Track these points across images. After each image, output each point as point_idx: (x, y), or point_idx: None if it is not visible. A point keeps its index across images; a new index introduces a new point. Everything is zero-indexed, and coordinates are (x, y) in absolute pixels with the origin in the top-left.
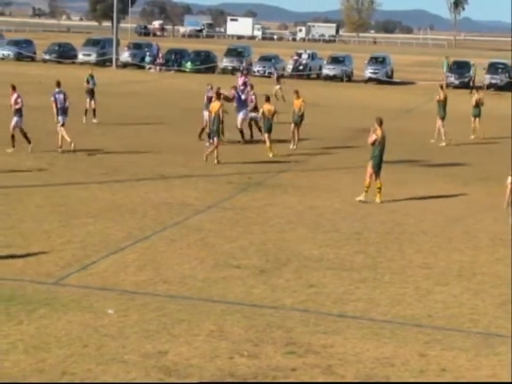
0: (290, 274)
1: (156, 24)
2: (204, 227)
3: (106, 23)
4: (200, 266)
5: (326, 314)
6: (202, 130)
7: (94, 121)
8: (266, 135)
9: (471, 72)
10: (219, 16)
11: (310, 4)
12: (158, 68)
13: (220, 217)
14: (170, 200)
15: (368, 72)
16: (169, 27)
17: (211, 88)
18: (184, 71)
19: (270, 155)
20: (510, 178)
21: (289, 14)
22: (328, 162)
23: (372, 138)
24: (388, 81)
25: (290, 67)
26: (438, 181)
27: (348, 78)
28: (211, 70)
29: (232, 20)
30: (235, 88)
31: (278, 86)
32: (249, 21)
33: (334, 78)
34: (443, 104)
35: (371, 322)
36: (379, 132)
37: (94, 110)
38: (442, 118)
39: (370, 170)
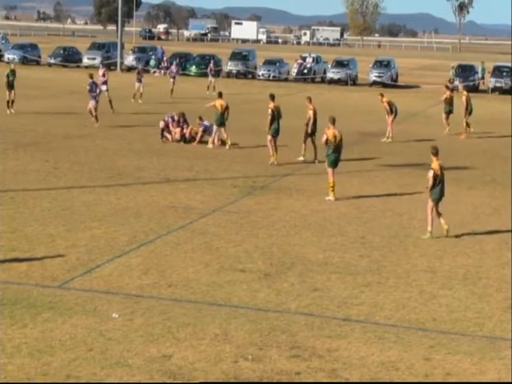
0: (295, 277)
1: (161, 28)
2: (209, 231)
3: (111, 27)
4: (205, 269)
5: (330, 317)
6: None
7: (12, 111)
8: (215, 128)
9: (450, 74)
10: (224, 20)
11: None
12: (162, 72)
13: (225, 220)
14: (175, 203)
15: (373, 76)
16: (173, 31)
17: (92, 79)
18: (189, 75)
19: (210, 146)
20: (431, 171)
21: (293, 18)
22: None
23: (323, 137)
24: (393, 84)
25: (294, 71)
26: None
27: (353, 81)
28: (216, 73)
29: (237, 24)
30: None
31: (138, 84)
32: (253, 24)
33: (339, 81)
34: (389, 105)
35: (376, 325)
36: (331, 131)
37: (13, 101)
38: (394, 117)
39: (327, 168)
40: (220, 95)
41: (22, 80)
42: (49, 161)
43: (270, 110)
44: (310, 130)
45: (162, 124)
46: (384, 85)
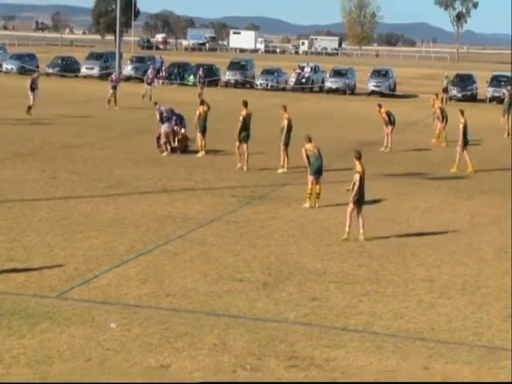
0: (293, 287)
1: (159, 37)
2: (207, 240)
3: (109, 37)
4: (203, 279)
5: (328, 327)
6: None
7: None
8: (199, 135)
9: (444, 83)
10: (222, 29)
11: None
12: (160, 81)
13: (223, 230)
14: (173, 213)
15: (371, 85)
16: (172, 40)
17: None
18: (187, 84)
19: (200, 155)
20: (357, 175)
21: (291, 28)
22: (331, 175)
23: (303, 154)
24: (391, 94)
25: (292, 80)
26: (441, 193)
27: (351, 91)
28: (214, 83)
29: (235, 33)
30: None
31: (111, 91)
32: (251, 34)
33: (337, 90)
34: (388, 115)
35: (374, 335)
36: (308, 146)
37: None
38: (393, 127)
39: (309, 177)
40: (202, 102)
41: (19, 90)
42: (46, 171)
43: (241, 117)
44: (282, 139)
45: (157, 133)
46: (382, 94)
